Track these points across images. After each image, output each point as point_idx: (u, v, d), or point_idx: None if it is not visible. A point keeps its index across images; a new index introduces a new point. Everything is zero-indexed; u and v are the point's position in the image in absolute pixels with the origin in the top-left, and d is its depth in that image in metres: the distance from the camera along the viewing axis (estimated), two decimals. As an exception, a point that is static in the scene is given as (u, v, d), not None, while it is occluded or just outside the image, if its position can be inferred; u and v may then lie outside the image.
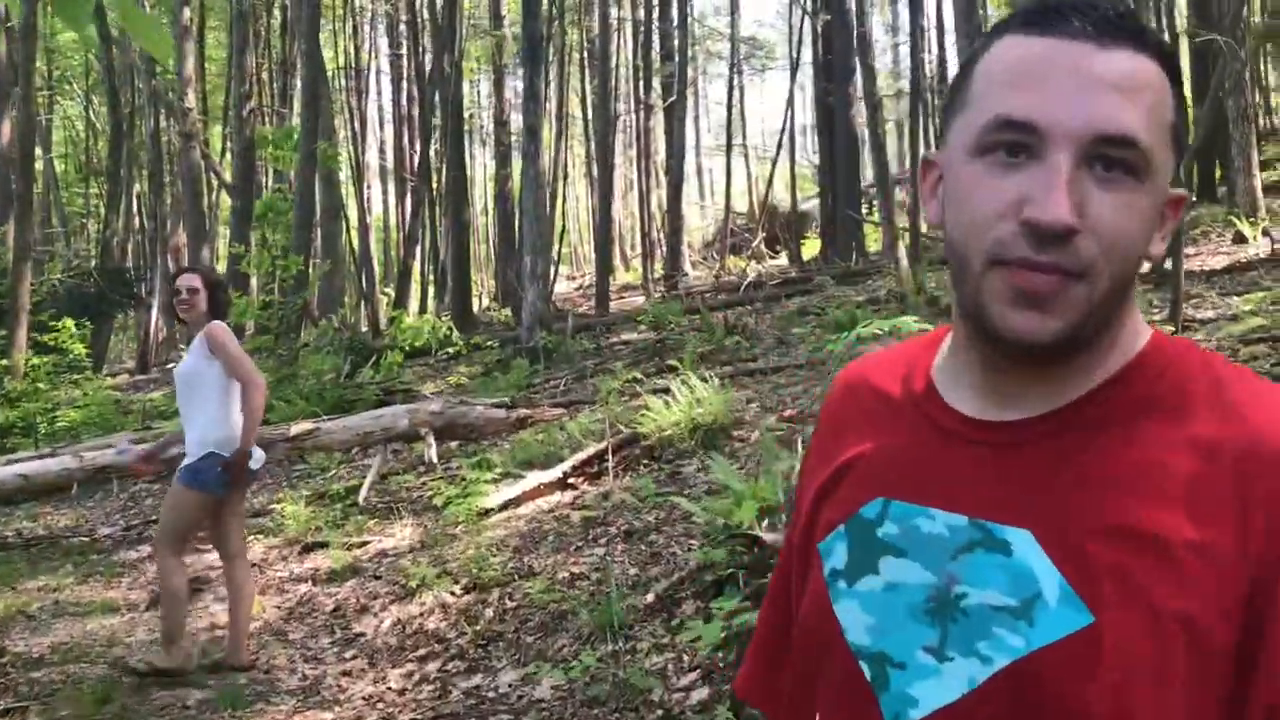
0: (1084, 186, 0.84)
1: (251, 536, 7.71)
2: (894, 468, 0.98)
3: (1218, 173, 16.56)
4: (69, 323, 13.53)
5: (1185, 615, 0.81)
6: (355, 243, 26.69)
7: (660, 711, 4.03)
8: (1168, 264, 8.54)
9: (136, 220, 30.25)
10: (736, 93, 28.45)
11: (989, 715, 0.85)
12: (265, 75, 27.59)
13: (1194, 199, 14.94)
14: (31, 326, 15.42)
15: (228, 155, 23.94)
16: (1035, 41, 0.87)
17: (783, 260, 23.87)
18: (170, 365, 22.05)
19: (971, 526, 0.90)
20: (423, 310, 25.21)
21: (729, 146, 26.52)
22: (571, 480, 7.24)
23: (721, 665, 4.13)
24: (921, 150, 21.33)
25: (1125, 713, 0.80)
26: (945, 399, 0.98)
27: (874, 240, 20.62)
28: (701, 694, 4.06)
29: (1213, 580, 0.81)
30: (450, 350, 15.15)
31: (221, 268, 21.79)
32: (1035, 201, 0.83)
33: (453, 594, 5.73)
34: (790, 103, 23.23)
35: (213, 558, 7.42)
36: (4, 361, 14.71)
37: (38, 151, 29.08)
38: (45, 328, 14.53)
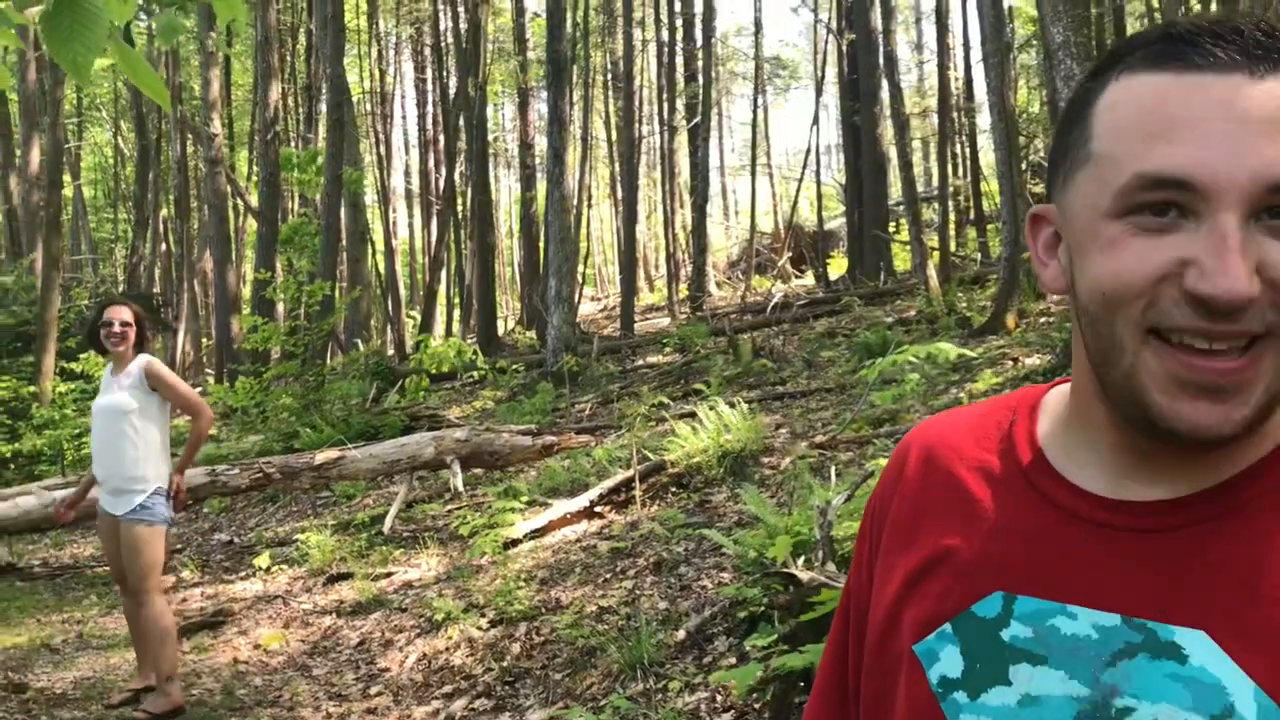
0: (1257, 242, 0.70)
1: (275, 566, 7.65)
2: (1012, 556, 0.83)
3: None
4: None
5: None
6: (381, 267, 26.75)
7: (693, 755, 3.90)
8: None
9: (163, 245, 30.48)
10: (760, 112, 28.36)
11: None
12: (291, 100, 27.78)
13: None
14: (59, 353, 15.48)
15: (254, 180, 24.08)
16: (1170, 80, 0.73)
17: (808, 280, 23.75)
18: (199, 389, 22.12)
19: (1128, 627, 0.76)
20: (448, 333, 25.22)
21: (753, 166, 26.45)
22: (598, 509, 7.13)
23: (756, 707, 4.00)
24: (950, 172, 21.21)
25: None
26: (1064, 475, 0.83)
27: (902, 259, 20.48)
28: (736, 736, 3.92)
29: None
30: (475, 374, 15.10)
31: (247, 292, 21.85)
32: (1204, 270, 0.70)
33: (479, 628, 5.62)
34: (815, 122, 23.16)
35: (236, 589, 7.37)
36: (31, 388, 14.75)
37: (66, 178, 29.40)
38: (72, 354, 14.57)
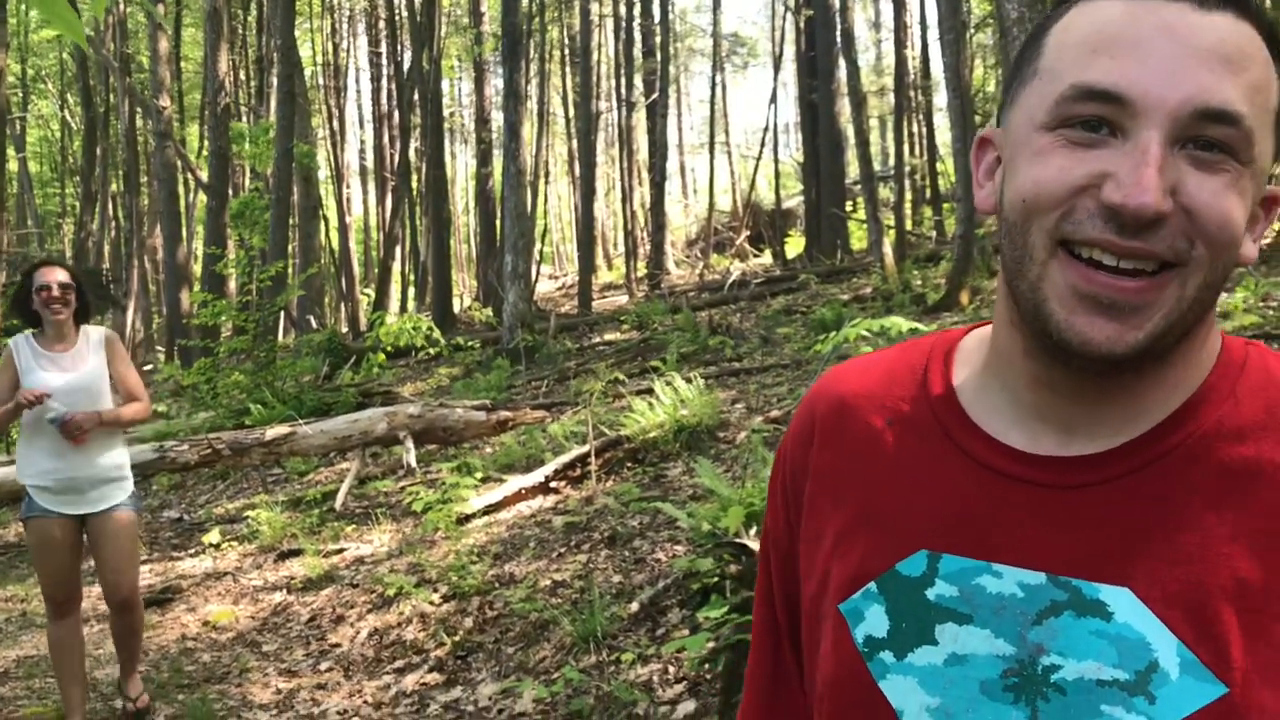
0: (1177, 167, 0.70)
1: (225, 543, 7.55)
2: (934, 513, 0.81)
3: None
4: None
5: None
6: (335, 243, 26.46)
7: (645, 726, 3.89)
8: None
9: (112, 220, 29.93)
10: (719, 90, 28.31)
11: None
12: (242, 73, 27.34)
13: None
14: (3, 331, 15.16)
15: (205, 154, 23.69)
16: (1121, 4, 0.74)
17: (766, 258, 23.77)
18: (149, 367, 21.78)
19: (1053, 585, 0.75)
20: (403, 310, 25.00)
21: (712, 144, 26.41)
22: (553, 484, 7.09)
23: (708, 677, 3.99)
24: (905, 149, 21.29)
25: None
26: (982, 428, 0.82)
27: (859, 238, 20.56)
28: (688, 707, 3.92)
29: None
30: (431, 351, 14.99)
31: (198, 268, 21.53)
32: (1120, 181, 0.69)
33: (431, 603, 5.57)
34: (773, 99, 23.14)
35: (185, 566, 7.26)
36: (-25, 365, 14.44)
37: (11, 151, 28.79)
38: (17, 331, 14.26)
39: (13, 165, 29.86)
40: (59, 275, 4.27)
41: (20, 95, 30.40)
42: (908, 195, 20.75)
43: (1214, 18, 0.72)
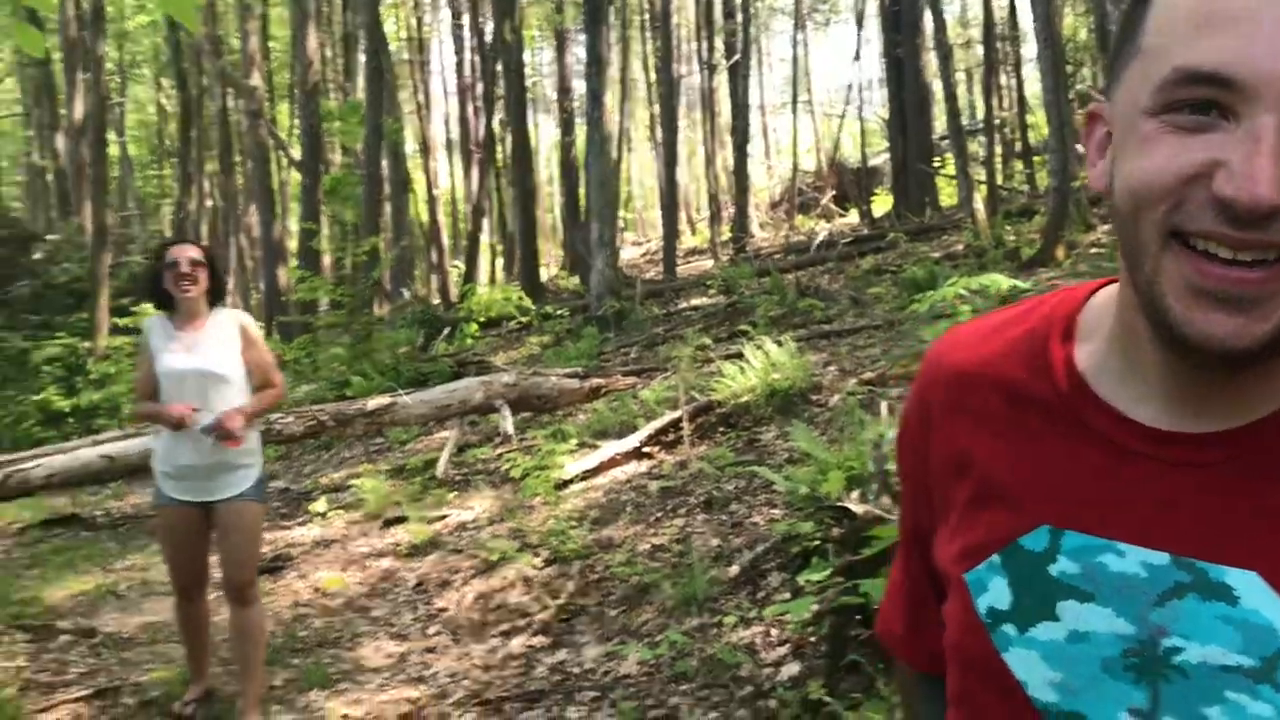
0: None
1: (332, 511, 7.77)
2: (1057, 489, 0.80)
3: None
4: (149, 308, 13.74)
5: None
6: (424, 216, 26.79)
7: (750, 687, 3.94)
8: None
9: (208, 200, 30.69)
10: (800, 48, 27.92)
11: None
12: (329, 51, 27.72)
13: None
14: (111, 309, 15.71)
15: (295, 132, 24.13)
16: None
17: (853, 218, 23.45)
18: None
19: (1177, 566, 0.74)
20: (492, 281, 25.27)
21: (794, 104, 26.10)
22: (647, 449, 7.16)
23: (813, 640, 4.02)
24: (995, 102, 20.72)
25: None
26: (1107, 402, 0.80)
27: (948, 194, 20.19)
28: (792, 669, 3.95)
29: None
30: (521, 320, 15.15)
31: (293, 245, 22.00)
32: (1232, 172, 0.65)
33: (534, 567, 5.69)
34: (857, 56, 22.77)
35: (294, 535, 7.49)
36: (87, 344, 15.02)
37: (112, 135, 29.62)
38: (125, 310, 14.79)
39: (114, 149, 30.76)
40: (190, 252, 4.16)
41: (118, 80, 31.28)
42: (997, 149, 20.27)
43: None
